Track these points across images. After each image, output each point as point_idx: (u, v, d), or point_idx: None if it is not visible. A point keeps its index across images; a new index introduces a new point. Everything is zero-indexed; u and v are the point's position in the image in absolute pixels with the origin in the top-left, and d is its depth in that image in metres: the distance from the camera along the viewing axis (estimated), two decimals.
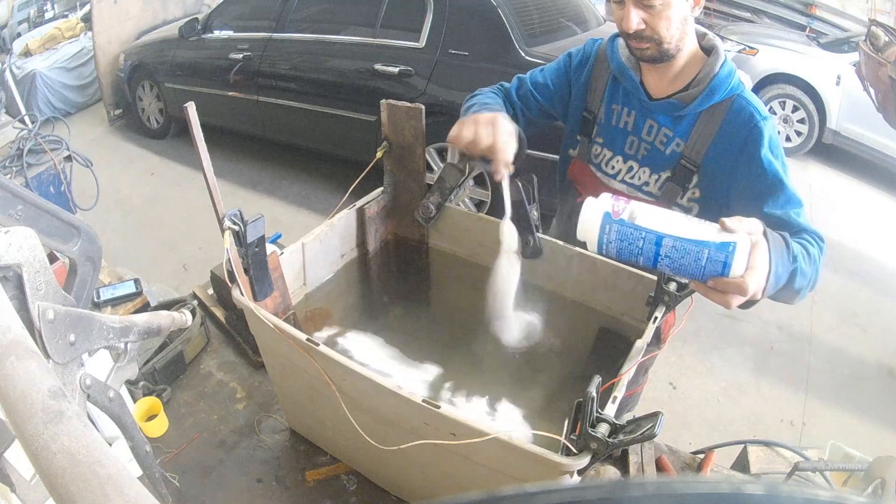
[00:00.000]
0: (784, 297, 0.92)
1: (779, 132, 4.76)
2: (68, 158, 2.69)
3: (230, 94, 3.96)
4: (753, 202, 1.00)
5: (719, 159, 1.06)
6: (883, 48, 3.33)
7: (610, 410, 0.70)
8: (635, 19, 0.98)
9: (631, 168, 1.16)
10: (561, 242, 1.09)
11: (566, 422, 0.69)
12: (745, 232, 0.73)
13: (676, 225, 0.73)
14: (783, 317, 2.96)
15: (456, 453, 0.77)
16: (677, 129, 1.09)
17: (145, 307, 1.42)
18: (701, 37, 1.09)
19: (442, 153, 3.24)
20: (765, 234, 0.75)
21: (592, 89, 1.18)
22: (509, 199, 0.99)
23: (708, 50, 1.08)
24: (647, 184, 1.15)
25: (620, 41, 1.13)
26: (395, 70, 3.23)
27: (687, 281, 0.87)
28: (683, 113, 1.07)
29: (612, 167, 1.19)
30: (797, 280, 0.86)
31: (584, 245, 0.81)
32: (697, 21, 1.05)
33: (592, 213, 0.77)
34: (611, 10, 1.05)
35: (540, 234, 1.10)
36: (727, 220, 0.72)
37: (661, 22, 0.98)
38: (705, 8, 1.06)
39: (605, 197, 0.78)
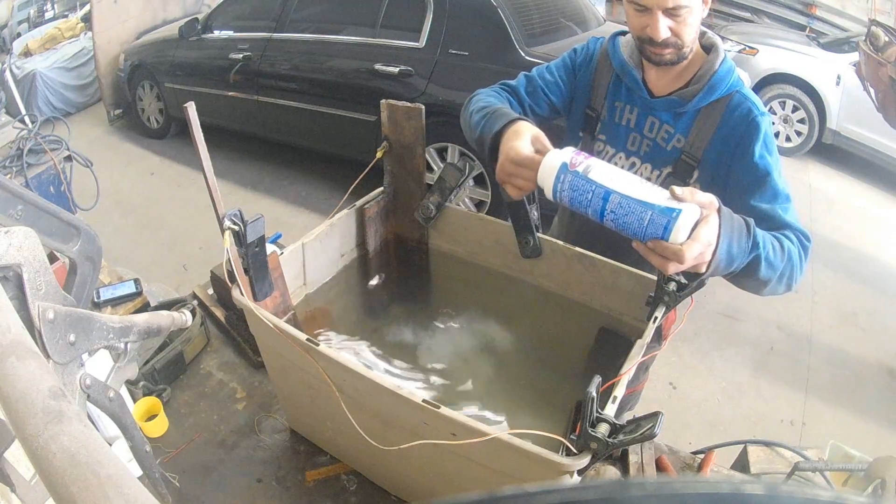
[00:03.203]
0: (748, 284, 0.93)
1: (778, 132, 4.77)
2: (68, 158, 2.69)
3: (230, 94, 3.96)
4: (742, 194, 1.02)
5: (719, 154, 1.07)
6: (883, 48, 3.34)
7: (610, 410, 0.70)
8: (664, 29, 0.98)
9: (633, 164, 1.17)
10: (561, 242, 1.09)
11: (566, 422, 0.69)
12: (695, 203, 0.74)
13: (628, 185, 0.76)
14: (783, 317, 2.96)
15: (456, 453, 0.77)
16: (678, 125, 1.10)
17: (145, 307, 1.42)
18: (700, 35, 1.09)
19: (442, 153, 3.24)
20: (719, 211, 0.76)
21: (596, 87, 1.19)
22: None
23: (707, 48, 1.09)
24: (648, 179, 1.15)
25: (622, 39, 1.14)
26: (395, 70, 3.22)
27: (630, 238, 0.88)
28: (684, 109, 1.08)
29: (615, 164, 1.19)
30: (762, 269, 0.87)
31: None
32: None
33: (552, 162, 0.81)
34: (627, 14, 1.04)
35: (540, 234, 1.10)
36: (677, 189, 0.74)
37: (685, 28, 0.99)
38: None
39: (568, 149, 0.82)
